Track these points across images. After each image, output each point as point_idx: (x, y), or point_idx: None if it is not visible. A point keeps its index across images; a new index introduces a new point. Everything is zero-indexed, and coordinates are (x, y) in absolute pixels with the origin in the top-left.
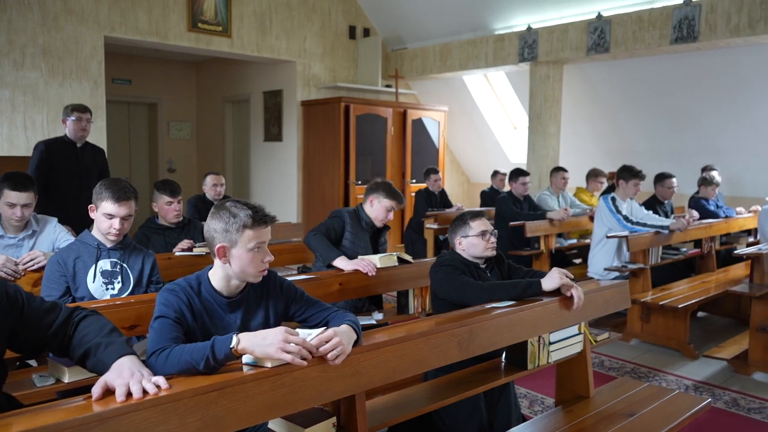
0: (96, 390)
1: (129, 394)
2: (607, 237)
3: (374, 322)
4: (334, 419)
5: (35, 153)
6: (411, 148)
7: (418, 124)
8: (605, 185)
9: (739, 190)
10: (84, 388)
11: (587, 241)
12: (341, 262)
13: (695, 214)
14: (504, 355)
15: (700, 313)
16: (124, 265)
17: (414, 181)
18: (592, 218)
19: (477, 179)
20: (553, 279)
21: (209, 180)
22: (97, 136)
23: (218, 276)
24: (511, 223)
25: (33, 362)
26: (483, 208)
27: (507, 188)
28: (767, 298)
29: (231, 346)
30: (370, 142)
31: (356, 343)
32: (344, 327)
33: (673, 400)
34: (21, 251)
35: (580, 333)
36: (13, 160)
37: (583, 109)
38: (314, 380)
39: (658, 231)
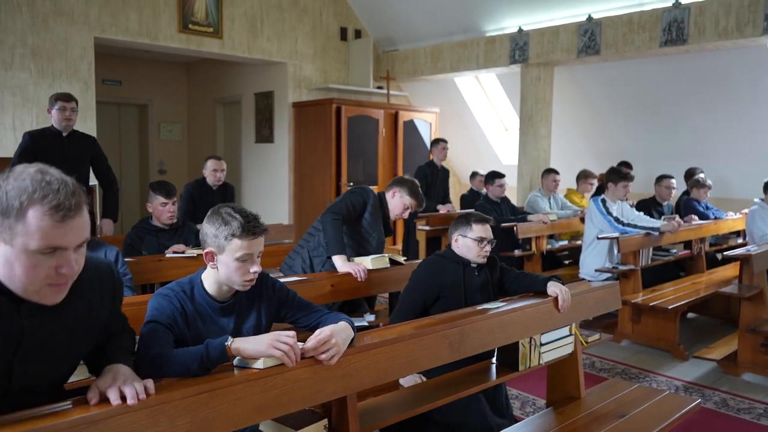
0: (91, 395)
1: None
2: (598, 238)
3: (366, 323)
4: (325, 421)
5: (20, 143)
6: (402, 150)
7: (410, 125)
8: (596, 186)
9: (727, 191)
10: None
11: (578, 242)
12: (338, 261)
13: (695, 218)
14: (495, 356)
15: (690, 314)
16: None
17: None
18: (583, 219)
19: (468, 181)
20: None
21: (210, 164)
22: None
23: (210, 280)
24: (503, 224)
25: None
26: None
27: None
28: (756, 299)
29: (226, 344)
30: (361, 143)
31: (350, 343)
32: (341, 324)
33: (663, 401)
34: None
35: (571, 334)
36: (1, 161)
37: (573, 111)
38: (305, 382)
39: (649, 232)
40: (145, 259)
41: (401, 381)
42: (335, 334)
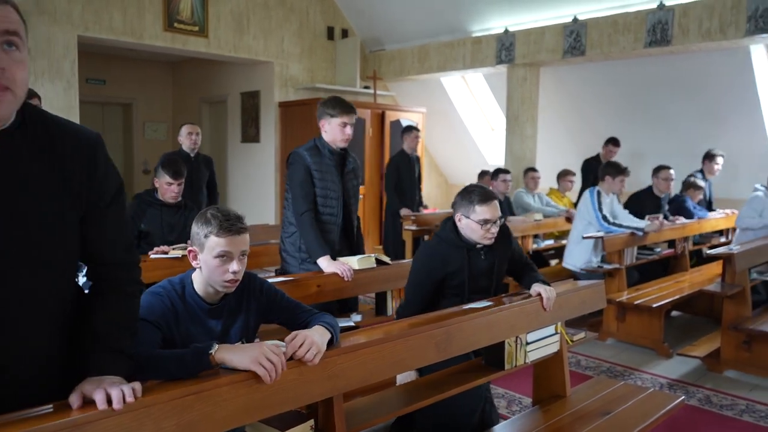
0: (73, 399)
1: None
2: (583, 237)
3: (352, 323)
4: (311, 422)
5: None
6: (389, 150)
7: (397, 125)
8: (575, 184)
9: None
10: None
11: (564, 241)
12: (323, 263)
13: (681, 218)
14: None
15: (674, 313)
16: None
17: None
18: (568, 219)
19: (455, 180)
20: None
21: (185, 129)
22: None
23: (198, 280)
24: None
25: None
26: None
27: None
28: (738, 297)
29: (210, 352)
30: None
31: (333, 343)
32: (314, 328)
33: (647, 398)
34: None
35: (556, 333)
36: None
37: (559, 111)
38: (291, 383)
39: (634, 232)
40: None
41: (398, 377)
42: (308, 335)
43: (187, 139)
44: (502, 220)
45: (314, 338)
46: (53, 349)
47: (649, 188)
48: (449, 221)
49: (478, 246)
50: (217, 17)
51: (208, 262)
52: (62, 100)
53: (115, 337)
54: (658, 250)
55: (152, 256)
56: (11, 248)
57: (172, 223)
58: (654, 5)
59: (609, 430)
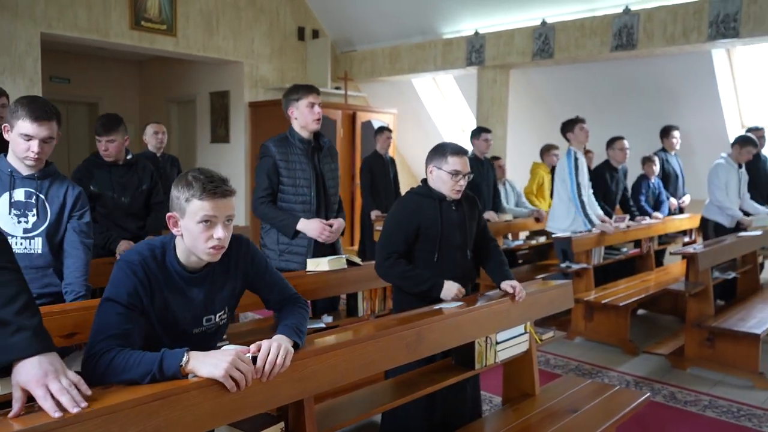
0: (15, 406)
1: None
2: (554, 237)
3: (323, 325)
4: (281, 424)
5: None
6: (361, 150)
7: (368, 126)
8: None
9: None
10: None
11: (533, 242)
12: (302, 225)
13: (646, 219)
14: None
15: (640, 311)
16: (41, 195)
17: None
18: (537, 219)
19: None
20: (449, 291)
21: (150, 129)
22: None
23: (180, 247)
24: None
25: None
26: None
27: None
28: (701, 295)
29: (181, 364)
30: None
31: (298, 346)
32: (276, 337)
33: (614, 395)
34: None
35: (525, 332)
36: None
37: (528, 113)
38: (261, 386)
39: (592, 225)
40: (95, 262)
41: (442, 294)
42: (271, 342)
43: (153, 138)
44: (471, 176)
45: (280, 343)
46: None
47: (606, 161)
48: (423, 181)
49: (448, 199)
50: (185, 16)
51: (191, 229)
52: None
53: (15, 311)
54: (625, 250)
55: (119, 254)
56: None
57: (124, 182)
58: (620, 9)
59: (577, 427)
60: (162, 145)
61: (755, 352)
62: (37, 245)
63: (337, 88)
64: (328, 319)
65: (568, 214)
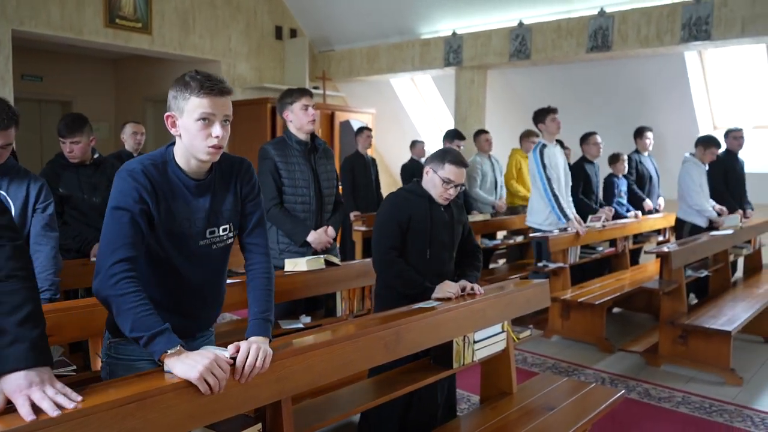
0: None
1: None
2: (531, 237)
3: (301, 325)
4: (259, 425)
5: None
6: (339, 150)
7: (346, 126)
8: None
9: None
10: None
11: (510, 241)
12: (311, 238)
13: (609, 214)
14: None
15: (615, 309)
16: (2, 192)
17: (341, 183)
18: (494, 215)
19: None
20: (444, 293)
21: (129, 129)
22: None
23: (180, 152)
24: None
25: None
26: None
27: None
28: (675, 293)
29: (166, 351)
30: None
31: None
32: (253, 339)
33: (590, 393)
34: None
35: (503, 331)
36: None
37: (506, 113)
38: (238, 388)
39: (567, 219)
40: (69, 263)
41: (435, 295)
42: (251, 343)
43: (131, 138)
44: (462, 188)
45: (259, 345)
46: None
47: (583, 157)
48: (416, 181)
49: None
50: (161, 14)
51: (189, 127)
52: None
53: (17, 321)
54: (601, 249)
55: (93, 259)
56: None
57: (93, 182)
58: (595, 11)
59: (554, 424)
60: (140, 147)
61: (726, 349)
62: None
63: (316, 87)
64: (306, 319)
65: (545, 208)
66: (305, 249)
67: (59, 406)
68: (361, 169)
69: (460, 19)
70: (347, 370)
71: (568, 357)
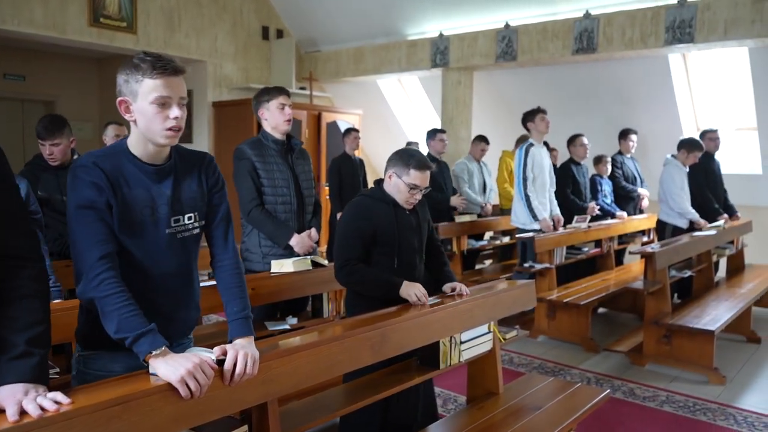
0: None
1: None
2: (517, 237)
3: (288, 326)
4: (245, 427)
5: None
6: (326, 151)
7: (333, 126)
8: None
9: None
10: None
11: (497, 242)
12: (293, 242)
13: (623, 214)
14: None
15: (600, 309)
16: None
17: (327, 184)
18: (480, 215)
19: None
20: (404, 292)
21: (111, 131)
22: None
23: (134, 140)
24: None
25: None
26: None
27: None
28: (659, 294)
29: (151, 351)
30: None
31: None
32: (239, 343)
33: (575, 392)
34: None
35: (489, 332)
36: None
37: (492, 114)
38: (224, 390)
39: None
40: (54, 265)
41: (401, 293)
42: (238, 350)
43: (113, 141)
44: (428, 190)
45: (246, 350)
46: None
47: (570, 158)
48: (378, 183)
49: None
50: (146, 13)
51: (145, 110)
52: None
53: (27, 338)
54: (586, 249)
55: None
56: None
57: None
58: (580, 14)
59: (540, 424)
60: None
61: (710, 348)
62: None
63: (302, 88)
64: (293, 320)
65: (525, 209)
66: (288, 252)
67: (43, 409)
68: (349, 170)
69: (447, 20)
70: (334, 372)
71: (554, 357)
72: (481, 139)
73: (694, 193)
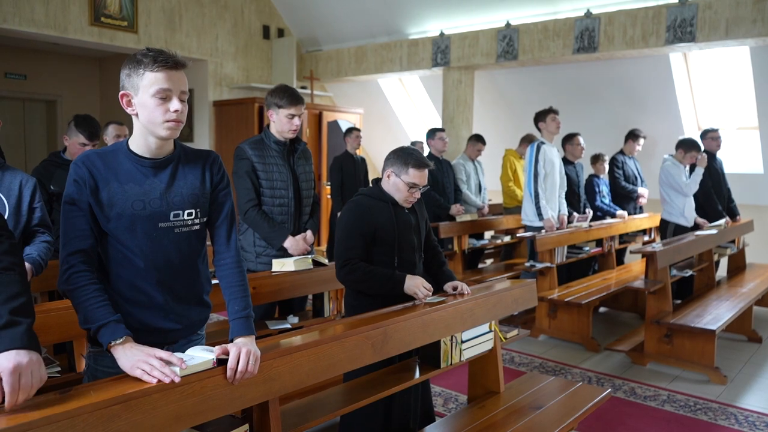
0: None
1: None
2: (519, 236)
3: (289, 326)
4: (246, 426)
5: None
6: (327, 150)
7: (334, 126)
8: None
9: None
10: None
11: (498, 241)
12: (288, 244)
13: (624, 213)
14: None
15: (601, 309)
16: None
17: (329, 183)
18: (481, 214)
19: None
20: (409, 287)
21: (112, 130)
22: None
23: (137, 134)
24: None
25: None
26: None
27: None
28: (660, 293)
29: (112, 342)
30: None
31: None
32: (241, 341)
33: (577, 392)
34: None
35: (490, 331)
36: None
37: (493, 114)
38: (225, 389)
39: (541, 218)
40: (54, 264)
41: (405, 288)
42: (240, 347)
43: (114, 140)
44: (426, 188)
45: (248, 348)
46: None
47: (563, 158)
48: (376, 182)
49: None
50: (147, 13)
51: (146, 103)
52: None
53: (10, 309)
54: (587, 248)
55: None
56: None
57: None
58: (581, 13)
59: (541, 423)
60: None
61: (711, 347)
62: None
63: (303, 87)
64: (294, 319)
65: (533, 207)
66: (281, 253)
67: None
68: (351, 169)
69: (448, 19)
70: (335, 371)
71: (554, 356)
72: (478, 139)
73: (698, 193)
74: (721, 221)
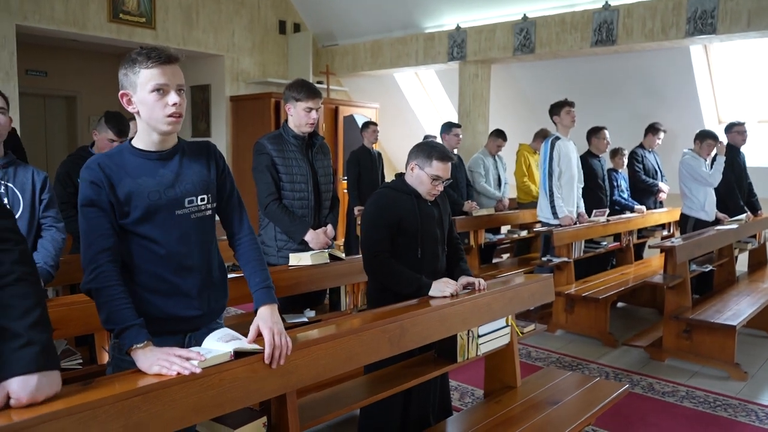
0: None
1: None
2: (535, 231)
3: (306, 319)
4: (264, 419)
5: None
6: (343, 145)
7: (350, 120)
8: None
9: None
10: None
11: (515, 236)
12: (309, 238)
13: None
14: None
15: (619, 304)
16: (9, 185)
17: (345, 178)
18: (498, 209)
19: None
20: (438, 290)
21: (133, 126)
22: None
23: (140, 131)
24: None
25: None
26: None
27: None
28: (679, 288)
29: (134, 345)
30: None
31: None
32: (266, 319)
33: (594, 387)
34: None
35: (507, 325)
36: None
37: (510, 108)
38: (243, 381)
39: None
40: (72, 259)
41: (431, 292)
42: (271, 327)
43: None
44: (449, 182)
45: (279, 329)
46: None
47: (588, 151)
48: (399, 176)
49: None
50: (164, 9)
51: (145, 100)
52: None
53: (28, 324)
54: (605, 243)
55: None
56: None
57: None
58: (600, 5)
59: (558, 418)
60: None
61: (731, 343)
62: None
63: (319, 82)
64: (310, 313)
65: (548, 204)
66: (303, 247)
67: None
68: (368, 164)
69: (464, 13)
70: (352, 364)
71: (572, 351)
72: (499, 135)
73: (719, 187)
74: (742, 216)
